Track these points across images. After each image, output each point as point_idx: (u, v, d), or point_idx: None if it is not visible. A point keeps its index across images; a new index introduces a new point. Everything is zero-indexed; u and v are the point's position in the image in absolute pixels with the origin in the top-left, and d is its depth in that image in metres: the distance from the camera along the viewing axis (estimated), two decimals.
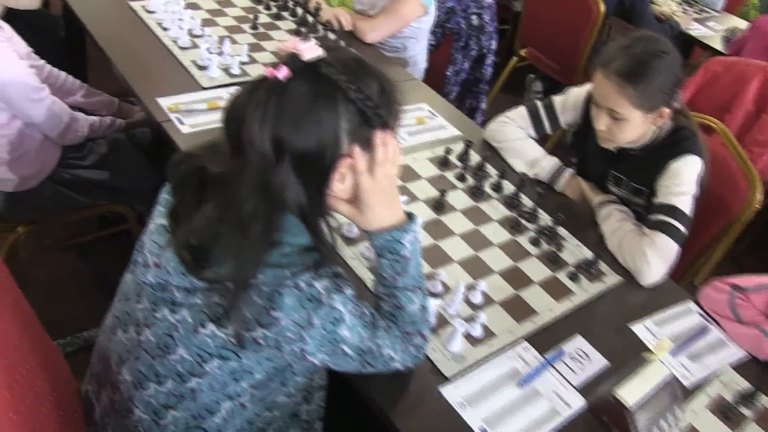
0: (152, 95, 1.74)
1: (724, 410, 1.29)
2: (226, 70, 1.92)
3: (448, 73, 2.60)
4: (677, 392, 1.25)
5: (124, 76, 1.82)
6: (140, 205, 2.05)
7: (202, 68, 1.90)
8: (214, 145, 1.01)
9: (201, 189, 0.96)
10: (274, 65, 0.91)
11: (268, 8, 2.34)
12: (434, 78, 2.61)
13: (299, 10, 2.33)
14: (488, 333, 1.33)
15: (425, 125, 1.94)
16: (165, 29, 2.06)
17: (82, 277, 2.20)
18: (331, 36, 2.22)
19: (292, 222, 0.93)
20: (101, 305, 1.18)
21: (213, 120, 1.70)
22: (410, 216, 1.06)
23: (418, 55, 2.53)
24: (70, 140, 1.81)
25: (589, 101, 1.67)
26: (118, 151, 1.91)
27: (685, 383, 1.32)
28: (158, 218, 1.01)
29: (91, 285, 2.17)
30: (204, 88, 1.83)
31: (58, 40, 2.44)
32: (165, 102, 1.73)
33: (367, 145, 0.94)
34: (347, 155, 0.93)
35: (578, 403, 1.23)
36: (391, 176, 1.00)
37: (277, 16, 2.30)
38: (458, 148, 1.81)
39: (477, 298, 1.38)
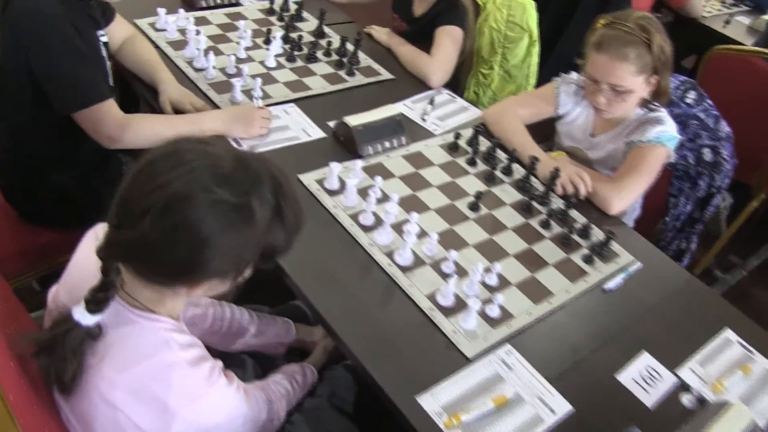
0: (400, 384, 1.14)
1: None
2: (485, 317, 1.29)
3: (667, 219, 2.02)
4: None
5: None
6: None
7: (446, 310, 1.28)
8: None
9: None
10: None
11: (478, 198, 1.58)
12: (642, 219, 2.02)
13: (515, 167, 1.71)
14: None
15: (750, 376, 1.37)
16: (380, 240, 1.42)
17: None
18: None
19: None
20: None
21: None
22: None
23: (637, 201, 1.94)
24: None
25: None
26: (322, 428, 1.30)
27: None
28: None
29: None
30: (468, 359, 1.22)
31: None
32: (431, 405, 1.12)
33: None
34: None
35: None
36: None
37: (487, 178, 1.67)
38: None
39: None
